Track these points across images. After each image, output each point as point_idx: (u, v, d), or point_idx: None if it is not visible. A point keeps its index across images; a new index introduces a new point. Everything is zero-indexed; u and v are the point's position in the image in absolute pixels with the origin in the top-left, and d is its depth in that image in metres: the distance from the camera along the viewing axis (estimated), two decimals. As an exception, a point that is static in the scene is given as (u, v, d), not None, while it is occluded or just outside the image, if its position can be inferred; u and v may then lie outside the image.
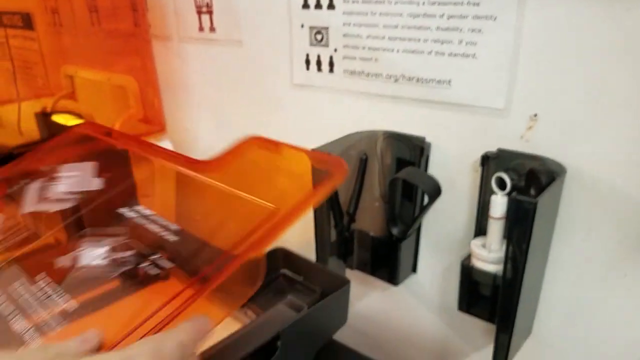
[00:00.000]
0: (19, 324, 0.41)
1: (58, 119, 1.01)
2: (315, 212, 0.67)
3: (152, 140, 0.97)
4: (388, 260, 0.71)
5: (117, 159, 0.60)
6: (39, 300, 0.43)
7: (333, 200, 0.67)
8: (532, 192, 0.55)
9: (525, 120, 0.56)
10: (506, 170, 0.57)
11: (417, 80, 0.62)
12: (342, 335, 0.68)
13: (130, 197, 0.56)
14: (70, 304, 0.43)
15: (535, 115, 0.55)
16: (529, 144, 0.57)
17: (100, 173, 0.57)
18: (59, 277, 0.45)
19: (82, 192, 0.56)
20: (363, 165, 0.68)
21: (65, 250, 0.48)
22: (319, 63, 0.71)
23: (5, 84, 1.14)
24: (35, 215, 0.54)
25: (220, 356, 0.50)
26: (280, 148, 0.52)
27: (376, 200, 0.71)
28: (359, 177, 0.69)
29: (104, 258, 0.47)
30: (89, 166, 0.59)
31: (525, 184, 0.57)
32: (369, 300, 0.82)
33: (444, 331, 0.73)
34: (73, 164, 0.59)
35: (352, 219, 0.72)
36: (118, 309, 0.43)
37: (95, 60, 1.03)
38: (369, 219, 0.72)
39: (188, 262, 0.46)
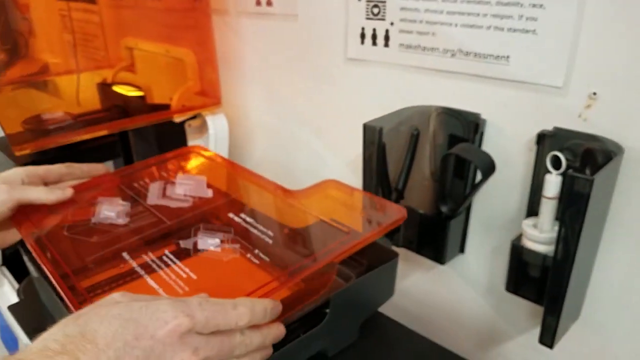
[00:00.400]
0: (151, 283, 0.54)
1: (118, 89, 1.04)
2: (364, 186, 0.67)
3: (208, 113, 0.99)
4: (435, 238, 0.71)
5: (222, 177, 0.74)
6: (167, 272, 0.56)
7: (382, 177, 0.67)
8: (588, 172, 0.54)
9: (583, 99, 0.55)
10: (562, 150, 0.56)
11: (475, 55, 0.61)
12: (385, 313, 0.68)
13: (234, 207, 0.67)
14: (190, 275, 0.55)
15: (595, 93, 0.54)
16: (586, 123, 0.55)
17: (209, 185, 0.71)
18: (182, 255, 0.58)
19: (195, 197, 0.69)
20: (414, 140, 0.68)
21: (186, 236, 0.60)
22: (374, 37, 0.71)
23: (66, 56, 1.18)
24: (158, 207, 0.67)
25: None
26: (352, 191, 0.67)
27: (426, 178, 0.71)
28: (410, 153, 0.69)
29: (217, 246, 0.59)
30: (201, 178, 0.73)
31: (580, 164, 0.56)
32: (413, 279, 0.82)
33: (489, 312, 0.73)
34: (188, 175, 0.74)
35: (400, 195, 0.72)
36: (225, 283, 0.54)
37: (154, 33, 1.05)
38: (418, 196, 0.72)
39: (279, 259, 0.57)
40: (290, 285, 0.51)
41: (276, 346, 0.50)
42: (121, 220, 0.64)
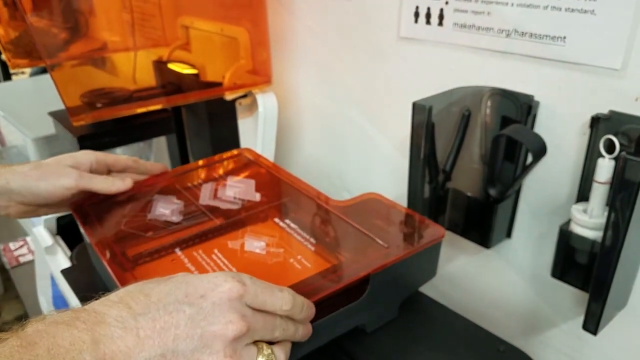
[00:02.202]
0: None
1: (173, 67, 1.07)
2: (411, 166, 0.67)
3: (258, 91, 1.00)
4: (482, 222, 0.70)
5: (271, 182, 0.77)
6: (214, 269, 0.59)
7: (429, 157, 0.67)
8: (642, 156, 0.53)
9: (642, 82, 0.54)
10: (616, 134, 0.55)
11: (530, 35, 0.60)
12: (427, 294, 0.68)
13: (279, 212, 0.70)
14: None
15: (655, 76, 0.53)
16: (644, 107, 0.54)
17: (257, 189, 0.74)
18: (229, 254, 0.61)
19: (244, 200, 0.72)
20: (465, 121, 0.67)
21: (234, 237, 0.64)
22: (428, 16, 0.70)
23: (124, 34, 1.21)
24: (209, 207, 0.70)
25: (311, 291, 0.53)
26: (394, 205, 0.69)
27: (475, 160, 0.70)
28: (460, 134, 0.68)
29: (262, 249, 0.62)
30: (250, 182, 0.76)
31: (635, 149, 0.55)
32: (457, 263, 0.82)
33: (533, 299, 0.72)
34: (238, 178, 0.77)
35: (448, 177, 0.72)
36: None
37: (210, 12, 1.07)
38: (466, 179, 0.72)
39: (319, 267, 0.59)
40: (324, 294, 0.53)
41: (315, 317, 0.51)
42: (175, 218, 0.68)
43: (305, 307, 0.48)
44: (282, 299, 0.45)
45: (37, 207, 0.69)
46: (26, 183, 0.65)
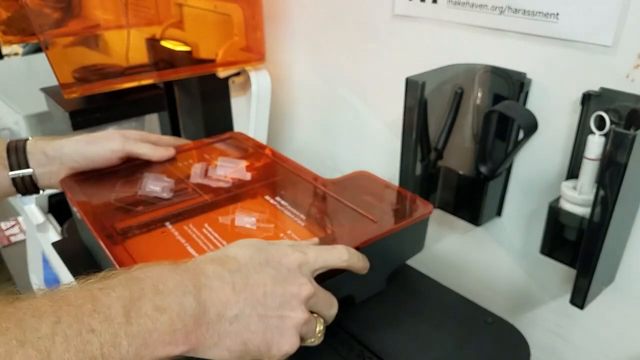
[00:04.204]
0: (190, 250, 0.58)
1: (166, 44, 1.06)
2: (403, 143, 0.67)
3: (251, 69, 1.00)
4: (472, 199, 0.71)
5: (261, 162, 0.78)
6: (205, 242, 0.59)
7: (421, 134, 0.67)
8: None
9: (633, 59, 0.54)
10: (607, 111, 0.55)
11: (524, 12, 0.60)
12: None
13: (270, 190, 0.70)
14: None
15: (645, 53, 0.53)
16: (634, 84, 0.54)
17: (248, 169, 0.75)
18: (219, 229, 0.61)
19: (235, 179, 0.73)
20: (457, 99, 0.67)
21: (224, 213, 0.65)
22: (423, -8, 0.70)
23: (117, 13, 1.20)
24: (200, 185, 0.71)
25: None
26: (384, 183, 0.70)
27: (467, 138, 0.71)
28: (452, 112, 0.69)
29: (253, 224, 0.62)
30: (241, 162, 0.77)
31: (625, 126, 0.55)
32: (447, 241, 0.82)
33: (522, 276, 0.73)
34: (229, 158, 0.77)
35: (440, 155, 0.72)
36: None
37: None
38: (457, 157, 0.72)
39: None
40: None
41: None
42: (165, 195, 0.68)
43: (361, 257, 0.54)
44: (339, 253, 0.51)
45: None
46: (77, 147, 0.71)
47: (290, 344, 0.45)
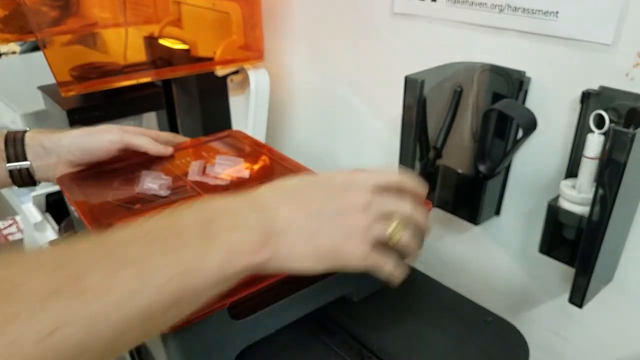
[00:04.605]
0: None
1: (164, 42, 1.06)
2: (402, 142, 0.67)
3: (250, 67, 1.00)
4: (471, 198, 0.71)
5: (260, 161, 0.77)
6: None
7: (420, 132, 0.67)
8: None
9: (632, 57, 0.54)
10: (606, 110, 0.55)
11: (523, 10, 0.60)
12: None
13: None
14: None
15: (645, 52, 0.53)
16: (633, 82, 0.54)
17: (246, 167, 0.75)
18: None
19: (233, 177, 0.72)
20: (457, 97, 0.67)
21: None
22: (422, -9, 0.70)
23: (115, 12, 1.20)
24: (198, 183, 0.70)
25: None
26: None
27: (466, 137, 0.71)
28: (451, 110, 0.68)
29: None
30: (239, 160, 0.76)
31: (624, 124, 0.55)
32: (445, 240, 0.82)
33: (521, 275, 0.73)
34: (227, 156, 0.76)
35: (438, 154, 0.72)
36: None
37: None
38: (456, 156, 0.72)
39: None
40: None
41: (303, 285, 0.52)
42: (163, 192, 0.68)
43: (416, 179, 0.51)
44: (388, 173, 0.50)
45: (83, 167, 0.73)
46: (75, 139, 0.70)
47: (361, 250, 0.45)
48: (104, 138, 0.71)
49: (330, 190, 0.48)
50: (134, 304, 0.36)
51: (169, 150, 0.77)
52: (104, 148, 0.71)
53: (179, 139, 0.82)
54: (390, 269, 0.47)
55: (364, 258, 0.46)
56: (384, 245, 0.47)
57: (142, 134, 0.75)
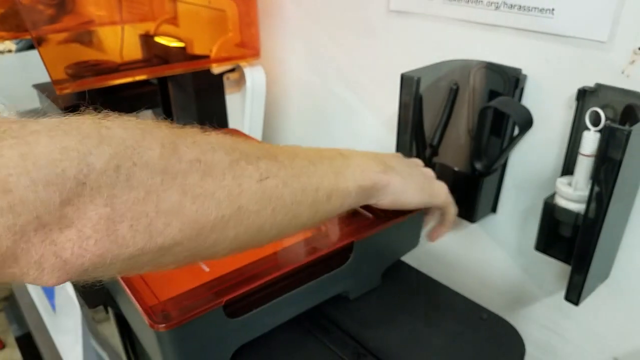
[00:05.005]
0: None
1: (160, 40, 1.06)
2: (399, 139, 0.67)
3: (246, 65, 1.00)
4: (467, 196, 0.70)
5: None
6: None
7: (417, 130, 0.67)
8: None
9: (628, 54, 0.54)
10: (602, 107, 0.55)
11: (519, 8, 0.60)
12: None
13: None
14: None
15: (640, 48, 0.53)
16: (629, 79, 0.54)
17: None
18: None
19: None
20: (453, 95, 0.67)
21: None
22: (418, -12, 0.70)
23: (111, 9, 1.19)
24: None
25: (297, 257, 0.53)
26: None
27: (462, 135, 0.71)
28: (448, 108, 0.68)
29: None
30: None
31: (620, 122, 0.55)
32: (442, 238, 0.81)
33: (517, 273, 0.73)
34: None
35: (435, 152, 0.72)
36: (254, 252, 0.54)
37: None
38: (453, 153, 0.72)
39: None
40: (309, 259, 0.55)
41: (299, 283, 0.52)
42: None
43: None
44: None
45: None
46: None
47: (444, 189, 0.61)
48: None
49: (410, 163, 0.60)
50: (307, 180, 0.45)
51: None
52: None
53: None
54: (456, 210, 0.63)
55: (447, 195, 0.61)
56: None
57: None
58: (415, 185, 0.56)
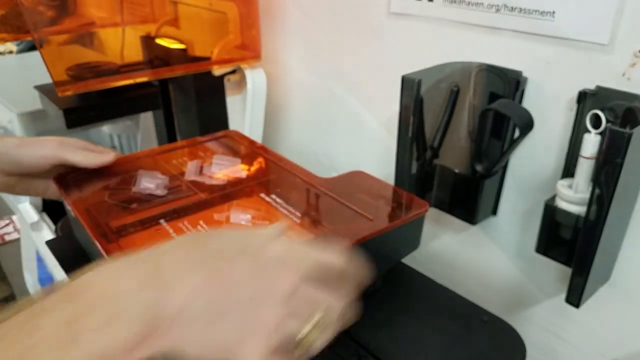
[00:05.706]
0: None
1: (161, 41, 1.06)
2: (399, 141, 0.67)
3: (247, 67, 1.00)
4: (468, 198, 0.71)
5: (257, 161, 0.78)
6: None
7: (417, 132, 0.67)
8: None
9: (629, 57, 0.54)
10: (603, 109, 0.55)
11: (520, 10, 0.60)
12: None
13: (265, 188, 0.69)
14: None
15: (641, 51, 0.53)
16: (630, 82, 0.54)
17: (243, 167, 0.75)
18: (215, 226, 0.61)
19: (230, 176, 0.72)
20: (454, 97, 0.67)
21: (219, 210, 0.64)
22: (419, -10, 0.70)
23: (112, 11, 1.19)
24: (195, 183, 0.70)
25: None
26: (379, 182, 0.70)
27: (463, 137, 0.71)
28: (448, 110, 0.69)
29: (248, 221, 0.62)
30: (236, 160, 0.76)
31: (621, 124, 0.55)
32: (442, 241, 0.82)
33: (517, 275, 0.73)
34: (224, 156, 0.77)
35: (435, 154, 0.72)
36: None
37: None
38: (453, 155, 0.72)
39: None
40: None
41: None
42: (160, 192, 0.67)
43: (357, 265, 0.45)
44: (332, 254, 0.43)
45: (18, 179, 0.69)
46: (7, 150, 0.66)
47: (259, 354, 0.37)
48: (37, 153, 0.67)
49: (258, 263, 0.40)
50: None
51: (107, 158, 0.71)
52: (35, 163, 0.67)
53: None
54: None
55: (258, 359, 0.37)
56: (290, 345, 0.38)
57: (81, 149, 0.70)
58: (203, 342, 0.36)
